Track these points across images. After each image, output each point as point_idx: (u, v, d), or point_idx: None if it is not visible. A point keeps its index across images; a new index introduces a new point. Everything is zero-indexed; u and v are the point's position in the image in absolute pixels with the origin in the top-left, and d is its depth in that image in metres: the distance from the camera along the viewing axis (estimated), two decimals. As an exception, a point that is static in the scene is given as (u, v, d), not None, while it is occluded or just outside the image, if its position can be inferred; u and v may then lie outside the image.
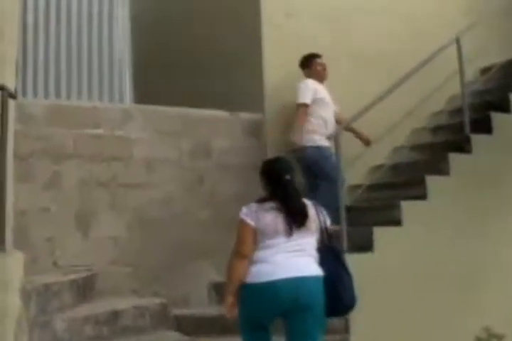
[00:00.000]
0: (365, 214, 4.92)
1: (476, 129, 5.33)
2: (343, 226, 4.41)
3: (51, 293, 3.88)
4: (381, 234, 4.52)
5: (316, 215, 3.30)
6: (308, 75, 5.38)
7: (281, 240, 3.16)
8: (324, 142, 5.11)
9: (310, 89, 5.22)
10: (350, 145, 4.98)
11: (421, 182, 4.90)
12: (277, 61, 5.64)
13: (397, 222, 4.66)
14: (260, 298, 3.09)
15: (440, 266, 4.81)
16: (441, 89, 5.54)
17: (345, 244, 4.37)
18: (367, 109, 4.82)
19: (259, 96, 5.57)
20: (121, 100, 5.12)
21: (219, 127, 5.27)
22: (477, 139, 5.25)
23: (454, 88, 6.14)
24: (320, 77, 5.40)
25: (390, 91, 4.99)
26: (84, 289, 4.39)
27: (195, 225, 4.96)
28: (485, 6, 6.73)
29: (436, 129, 5.94)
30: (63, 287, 4.05)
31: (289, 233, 3.17)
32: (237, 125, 5.35)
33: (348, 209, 4.60)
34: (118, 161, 4.80)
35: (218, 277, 4.76)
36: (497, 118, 5.42)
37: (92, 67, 5.66)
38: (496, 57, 6.30)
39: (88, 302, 4.36)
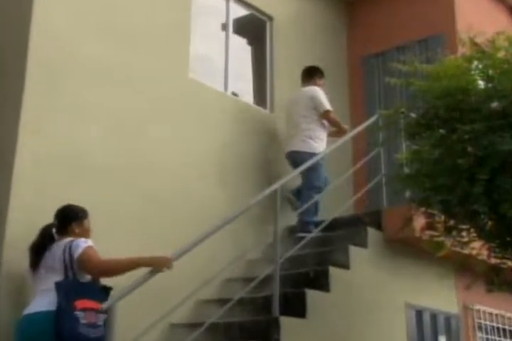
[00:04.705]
0: None
1: (286, 309, 4.31)
2: None
3: None
4: None
5: (62, 254, 3.59)
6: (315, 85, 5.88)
7: (35, 280, 3.66)
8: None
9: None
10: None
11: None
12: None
13: None
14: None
15: None
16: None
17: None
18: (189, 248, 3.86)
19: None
20: None
21: None
22: (287, 323, 4.21)
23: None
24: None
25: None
26: None
27: None
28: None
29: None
30: None
31: (36, 274, 3.66)
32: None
33: None
34: None
35: None
36: (312, 296, 4.45)
37: None
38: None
39: None
